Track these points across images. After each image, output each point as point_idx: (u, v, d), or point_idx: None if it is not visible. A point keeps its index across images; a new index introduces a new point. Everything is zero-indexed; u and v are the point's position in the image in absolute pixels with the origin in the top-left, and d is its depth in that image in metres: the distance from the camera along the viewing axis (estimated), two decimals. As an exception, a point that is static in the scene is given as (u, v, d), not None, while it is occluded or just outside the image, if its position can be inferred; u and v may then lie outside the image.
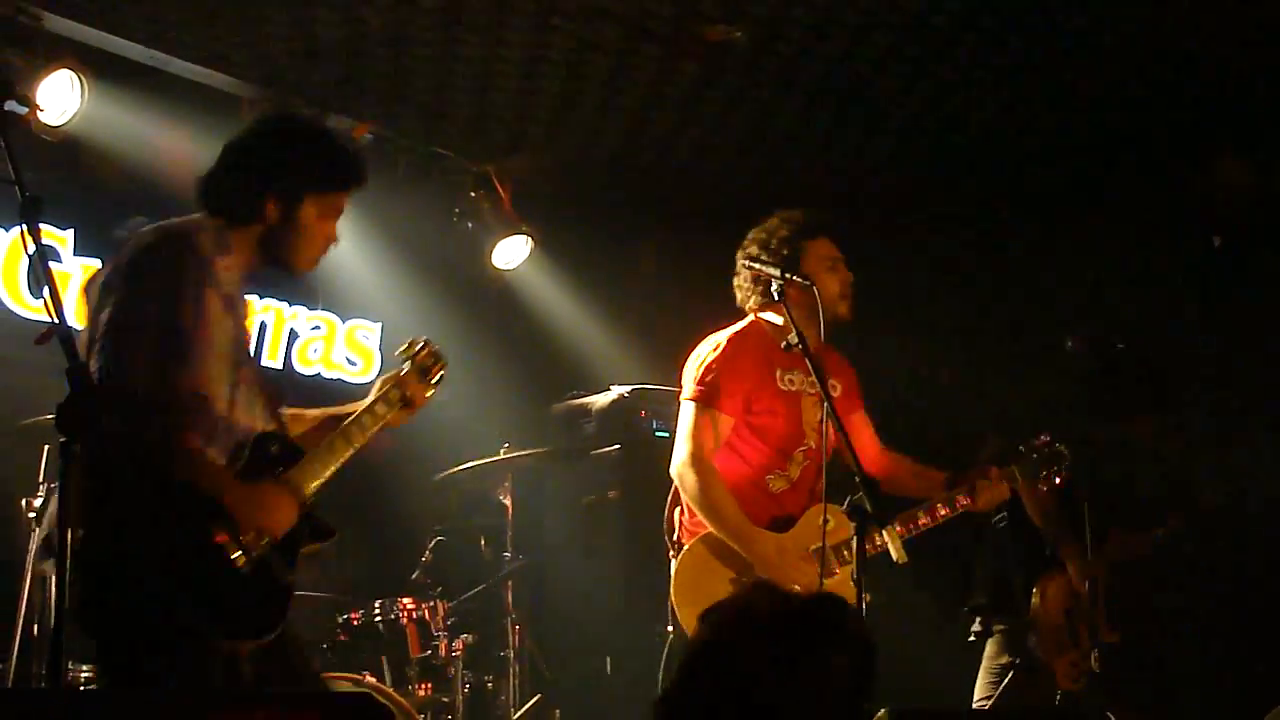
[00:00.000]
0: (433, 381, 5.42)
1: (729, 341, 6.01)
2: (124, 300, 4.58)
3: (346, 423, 5.17)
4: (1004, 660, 6.83)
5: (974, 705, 6.84)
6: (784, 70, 8.27)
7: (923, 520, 5.89)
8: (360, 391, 9.16)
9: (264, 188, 4.91)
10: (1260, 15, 7.54)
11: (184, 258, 4.69)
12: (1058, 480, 6.13)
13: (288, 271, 5.07)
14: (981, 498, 6.01)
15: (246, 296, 5.07)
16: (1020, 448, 6.16)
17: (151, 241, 4.75)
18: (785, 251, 5.99)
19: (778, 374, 6.01)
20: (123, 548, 4.35)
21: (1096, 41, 7.88)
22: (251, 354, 5.08)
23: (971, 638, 7.02)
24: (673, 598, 5.82)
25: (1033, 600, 6.73)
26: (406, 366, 5.38)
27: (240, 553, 4.55)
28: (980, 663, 7.14)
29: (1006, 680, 6.81)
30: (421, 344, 5.43)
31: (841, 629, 3.07)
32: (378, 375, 9.19)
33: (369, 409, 5.24)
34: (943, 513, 5.96)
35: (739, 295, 6.19)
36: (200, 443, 4.57)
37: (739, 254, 6.13)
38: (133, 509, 4.39)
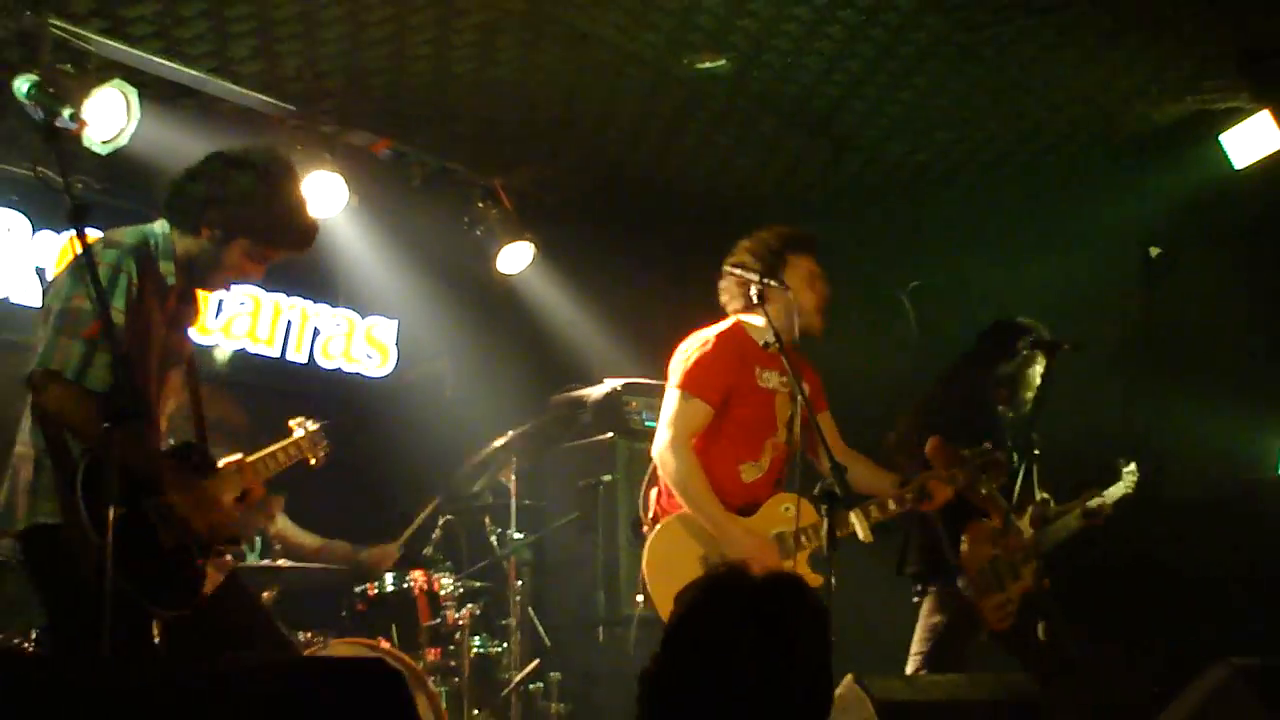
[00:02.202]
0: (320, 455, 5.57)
1: (716, 339, 6.06)
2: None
3: (253, 459, 5.24)
4: (936, 619, 6.81)
5: (909, 658, 6.83)
6: (763, 94, 8.28)
7: (876, 514, 5.91)
8: (378, 384, 9.34)
9: (202, 213, 4.87)
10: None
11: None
12: (996, 485, 6.18)
13: (199, 286, 5.04)
14: (936, 498, 6.08)
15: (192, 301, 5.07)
16: (964, 453, 6.19)
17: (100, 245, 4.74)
18: (770, 260, 6.02)
19: (756, 371, 6.06)
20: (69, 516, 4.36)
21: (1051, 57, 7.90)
22: (186, 360, 5.08)
23: (915, 599, 7.00)
24: (644, 571, 5.87)
25: (961, 546, 6.70)
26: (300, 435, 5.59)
27: (165, 530, 4.57)
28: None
29: (938, 637, 6.79)
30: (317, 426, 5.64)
31: (804, 605, 3.10)
32: (394, 369, 9.34)
33: (270, 455, 5.37)
34: (893, 508, 6.00)
35: (723, 298, 6.22)
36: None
37: (727, 261, 6.13)
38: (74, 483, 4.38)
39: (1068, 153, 9.11)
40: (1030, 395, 7.08)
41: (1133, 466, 7.63)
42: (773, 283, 5.89)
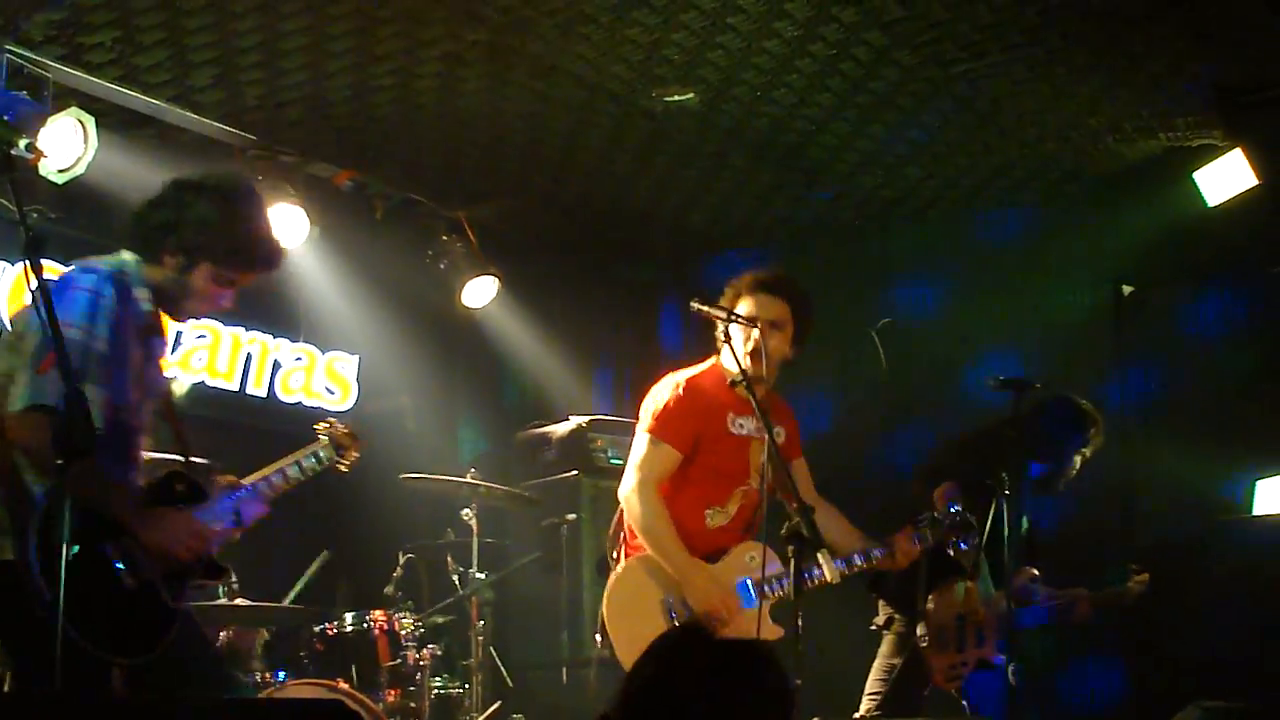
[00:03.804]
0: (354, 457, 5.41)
1: (688, 383, 6.06)
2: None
3: (252, 477, 5.16)
4: (895, 661, 6.85)
5: (864, 697, 6.85)
6: (732, 127, 8.31)
7: (841, 566, 5.83)
8: (336, 419, 9.25)
9: (163, 241, 4.86)
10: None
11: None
12: (964, 547, 6.12)
13: (169, 316, 5.01)
14: (899, 556, 6.05)
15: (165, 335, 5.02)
16: (933, 514, 6.15)
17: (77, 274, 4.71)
18: (730, 300, 6.03)
19: (729, 417, 6.06)
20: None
21: (1023, 92, 7.94)
22: (163, 394, 5.03)
23: (874, 627, 7.00)
24: (604, 613, 5.89)
25: (930, 597, 6.71)
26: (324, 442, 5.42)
27: (127, 571, 4.50)
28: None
29: (895, 681, 6.81)
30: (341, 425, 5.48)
31: (764, 674, 3.08)
32: (354, 404, 9.30)
33: (278, 471, 5.25)
34: (859, 564, 5.97)
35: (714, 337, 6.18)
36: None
37: (706, 304, 6.11)
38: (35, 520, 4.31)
39: (1040, 189, 9.15)
40: (1064, 483, 7.27)
41: (1144, 576, 7.55)
42: (739, 318, 5.89)
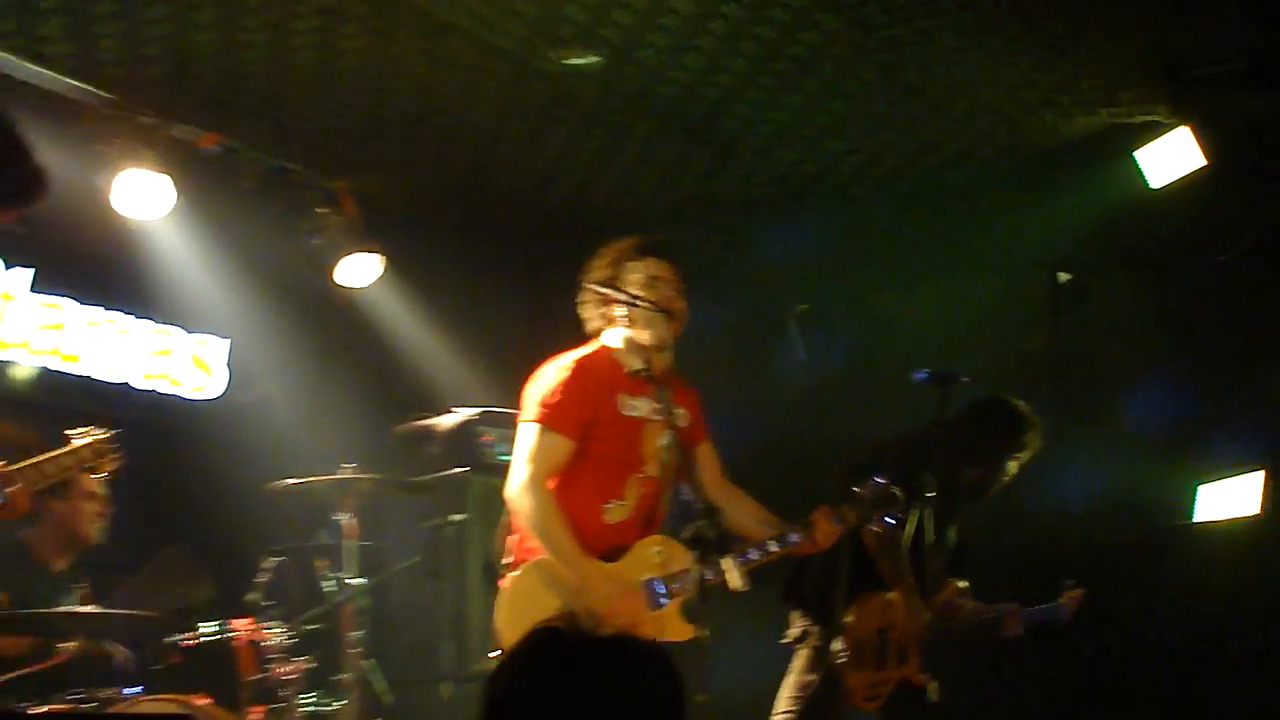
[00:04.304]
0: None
1: (574, 365, 6.04)
2: None
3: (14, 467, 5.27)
4: (809, 678, 6.87)
5: (773, 717, 6.90)
6: (637, 94, 8.34)
7: (756, 558, 5.89)
8: (201, 409, 9.24)
9: None
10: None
11: None
12: (890, 521, 6.13)
13: None
14: (819, 536, 6.04)
15: None
16: (854, 489, 6.15)
17: None
18: (610, 274, 6.06)
19: (620, 399, 6.04)
20: None
21: (954, 62, 8.00)
22: None
23: (786, 641, 7.06)
24: (498, 621, 5.87)
25: (850, 610, 6.78)
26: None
27: None
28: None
29: (809, 700, 6.86)
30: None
31: (640, 677, 3.00)
32: (220, 393, 9.25)
33: (35, 465, 5.45)
34: (775, 550, 5.98)
35: (585, 318, 6.24)
36: None
37: (586, 278, 6.17)
38: None
39: (971, 167, 9.22)
40: (996, 489, 7.32)
41: (1078, 591, 7.68)
42: (623, 297, 5.94)
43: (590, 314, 6.16)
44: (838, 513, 6.08)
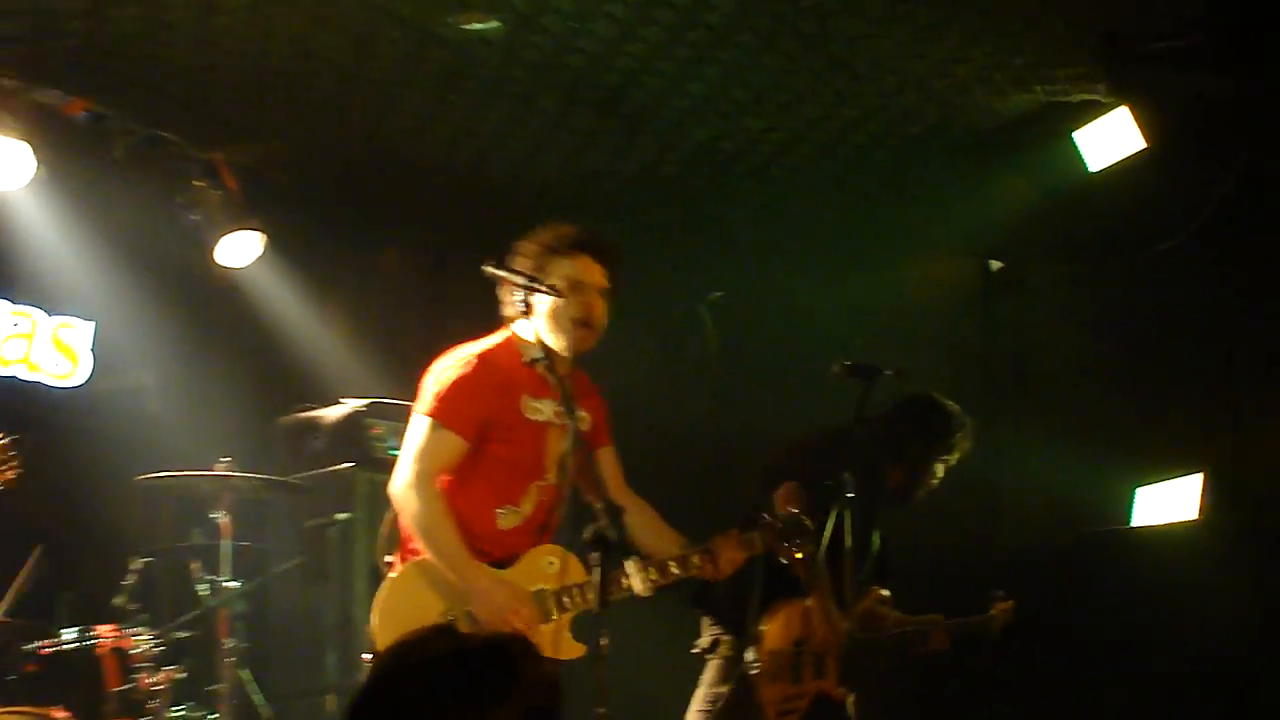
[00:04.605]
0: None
1: (477, 358, 5.95)
2: None
3: None
4: (720, 690, 6.87)
5: None
6: (542, 63, 8.27)
7: (654, 575, 5.82)
8: (64, 397, 9.11)
9: None
10: None
11: None
12: (798, 555, 6.06)
13: None
14: (721, 562, 5.95)
15: None
16: (765, 515, 6.10)
17: None
18: (536, 260, 5.96)
19: (524, 400, 5.97)
20: None
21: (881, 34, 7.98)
22: None
23: (696, 650, 7.04)
24: (373, 623, 5.80)
25: (764, 619, 6.76)
26: None
27: None
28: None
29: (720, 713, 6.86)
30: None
31: (516, 678, 2.98)
32: (86, 380, 9.13)
33: None
34: (674, 572, 5.90)
35: (502, 303, 6.11)
36: None
37: (510, 259, 6.06)
38: None
39: (898, 147, 9.20)
40: (923, 493, 7.33)
41: (1009, 604, 7.61)
42: (542, 288, 5.83)
43: (506, 299, 6.04)
44: (743, 540, 6.01)
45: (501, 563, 5.87)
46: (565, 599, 5.77)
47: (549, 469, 5.98)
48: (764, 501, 6.61)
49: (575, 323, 5.90)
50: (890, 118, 8.91)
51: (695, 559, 5.93)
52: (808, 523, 6.05)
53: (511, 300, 5.97)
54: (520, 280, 5.82)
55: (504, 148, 9.48)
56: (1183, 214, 8.41)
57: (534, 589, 5.82)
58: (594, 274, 6.00)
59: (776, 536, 6.01)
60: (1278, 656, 7.73)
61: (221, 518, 8.02)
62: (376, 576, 6.22)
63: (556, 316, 5.87)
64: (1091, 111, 8.48)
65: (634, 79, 8.46)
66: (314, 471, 8.87)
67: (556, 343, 5.88)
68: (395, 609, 5.79)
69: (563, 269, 5.95)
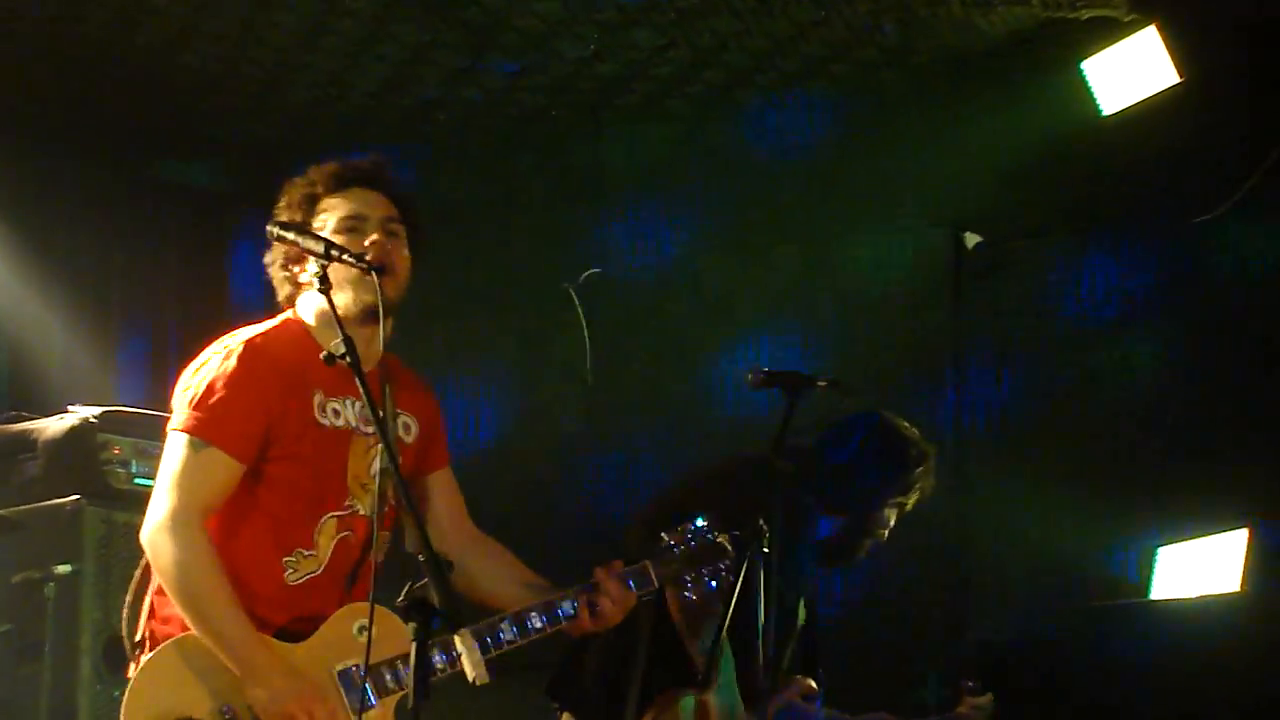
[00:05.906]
0: None
1: (244, 349, 5.59)
2: None
3: None
4: None
5: None
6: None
7: (508, 636, 5.56)
8: None
9: None
10: None
11: None
12: (713, 585, 5.86)
13: None
14: (606, 607, 5.72)
15: None
16: (661, 535, 5.90)
17: None
18: (299, 214, 5.67)
19: (316, 400, 5.64)
20: None
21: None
22: None
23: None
24: None
25: (645, 713, 6.57)
26: None
27: None
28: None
29: None
30: None
31: None
32: None
33: None
34: (540, 626, 5.64)
35: (275, 283, 5.87)
36: None
37: (270, 223, 5.72)
38: None
39: (845, 74, 9.29)
40: (868, 547, 7.07)
41: (988, 697, 7.44)
42: (346, 257, 5.42)
43: (277, 275, 5.77)
44: (634, 572, 5.77)
45: (296, 630, 5.52)
46: (388, 677, 5.45)
47: (353, 493, 5.67)
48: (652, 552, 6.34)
49: (364, 269, 5.49)
50: (834, 35, 8.87)
51: (568, 606, 5.67)
52: (724, 541, 5.83)
53: (283, 275, 5.73)
54: (289, 239, 5.45)
55: (304, 66, 9.55)
56: (1226, 174, 8.38)
57: (340, 668, 5.47)
58: (375, 205, 5.72)
59: (681, 562, 5.80)
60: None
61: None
62: (114, 654, 6.17)
63: (338, 278, 5.46)
64: (1107, 33, 8.49)
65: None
66: (25, 506, 8.56)
67: (347, 313, 5.50)
68: (149, 707, 5.42)
69: (333, 211, 5.66)
